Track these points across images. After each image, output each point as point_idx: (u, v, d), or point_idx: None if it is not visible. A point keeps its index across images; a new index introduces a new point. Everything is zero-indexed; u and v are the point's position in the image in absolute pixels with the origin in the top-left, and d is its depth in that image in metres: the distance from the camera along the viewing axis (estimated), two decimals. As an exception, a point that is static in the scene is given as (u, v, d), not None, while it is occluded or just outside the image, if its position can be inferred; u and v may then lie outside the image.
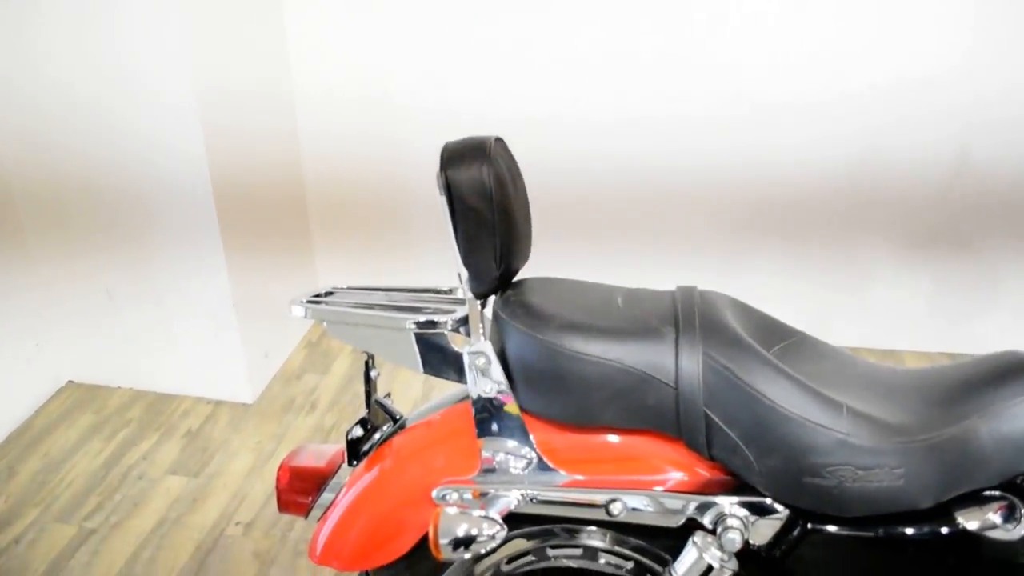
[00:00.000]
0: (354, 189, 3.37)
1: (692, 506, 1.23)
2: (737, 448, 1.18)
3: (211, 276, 2.83)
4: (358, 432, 1.43)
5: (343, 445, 1.47)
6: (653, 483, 1.25)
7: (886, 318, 3.23)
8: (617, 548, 1.39)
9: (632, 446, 1.27)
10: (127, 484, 2.65)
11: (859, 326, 3.25)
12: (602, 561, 1.42)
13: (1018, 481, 1.23)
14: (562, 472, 1.29)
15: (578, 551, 1.43)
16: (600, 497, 1.26)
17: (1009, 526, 1.19)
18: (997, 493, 1.21)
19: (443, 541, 1.22)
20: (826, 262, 3.17)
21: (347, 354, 3.37)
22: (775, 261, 3.19)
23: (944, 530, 1.19)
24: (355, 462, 1.45)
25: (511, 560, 1.48)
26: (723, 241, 3.19)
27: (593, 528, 1.36)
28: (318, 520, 1.44)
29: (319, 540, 1.42)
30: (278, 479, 1.47)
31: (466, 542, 1.23)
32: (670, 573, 1.22)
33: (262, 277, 3.08)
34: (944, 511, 1.19)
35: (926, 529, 1.19)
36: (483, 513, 1.24)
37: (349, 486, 1.42)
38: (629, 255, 3.26)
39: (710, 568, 1.19)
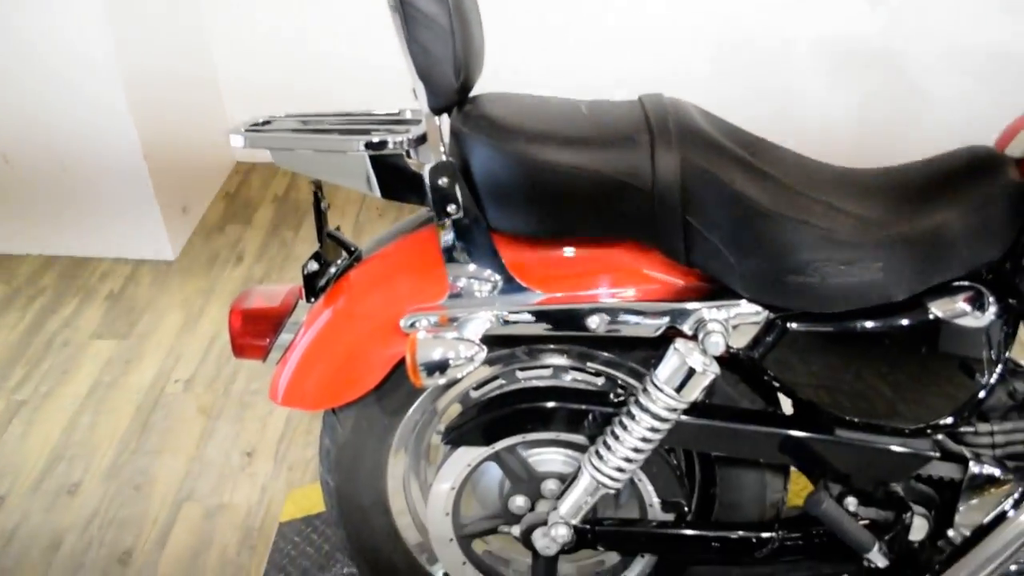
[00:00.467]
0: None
1: (672, 314, 1.21)
2: (718, 252, 1.16)
3: (115, 125, 2.64)
4: (313, 267, 1.36)
5: (294, 284, 1.40)
6: (632, 295, 1.23)
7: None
8: (589, 364, 1.38)
9: (606, 258, 1.24)
10: (52, 352, 2.54)
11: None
12: (571, 378, 1.42)
13: (985, 271, 1.25)
14: (536, 291, 1.25)
15: (547, 371, 1.42)
16: (577, 312, 1.23)
17: (978, 314, 1.21)
18: (966, 283, 1.22)
19: (420, 366, 1.18)
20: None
21: (268, 204, 3.24)
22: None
23: (917, 320, 1.20)
24: (312, 299, 1.38)
25: (479, 386, 1.46)
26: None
27: (563, 346, 1.34)
28: (277, 363, 1.39)
29: (280, 382, 1.36)
30: (230, 324, 1.39)
31: (443, 366, 1.19)
32: (651, 380, 1.21)
33: (171, 126, 2.89)
34: (917, 302, 1.20)
35: (900, 321, 1.20)
36: (458, 335, 1.20)
37: (308, 324, 1.35)
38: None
39: (691, 373, 1.18)
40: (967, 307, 1.21)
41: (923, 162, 1.30)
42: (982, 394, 1.27)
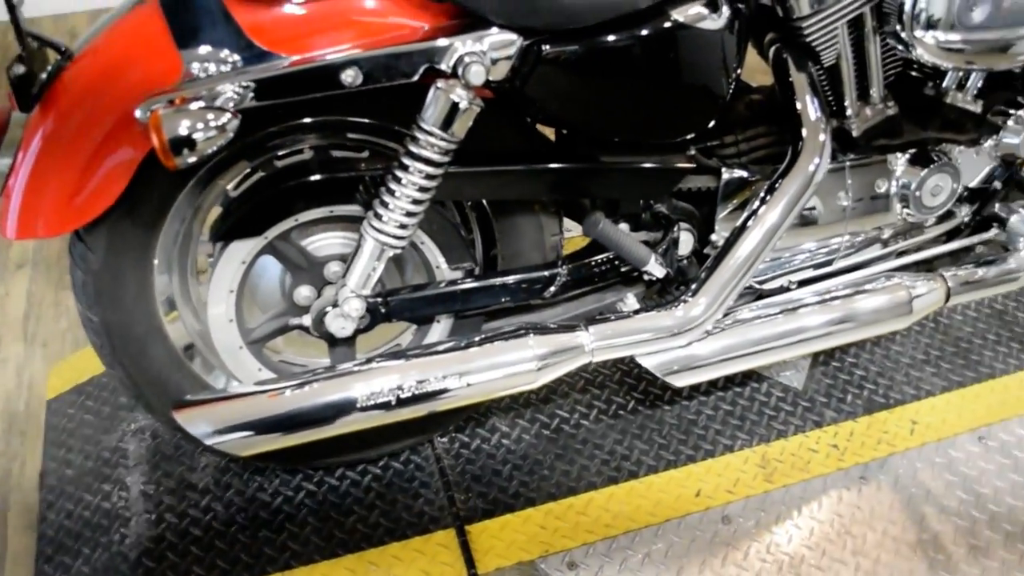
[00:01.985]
0: None
1: (427, 53, 1.17)
2: None
3: None
4: (20, 70, 1.19)
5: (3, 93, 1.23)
6: (382, 42, 1.17)
7: None
8: (350, 136, 1.33)
9: (349, 7, 1.17)
10: None
11: None
12: (336, 155, 1.36)
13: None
14: (282, 55, 1.16)
15: (308, 152, 1.36)
16: (329, 68, 1.15)
17: (714, 16, 1.27)
18: (699, -7, 1.28)
19: (169, 142, 1.08)
20: None
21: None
22: None
23: (661, 27, 1.24)
24: (26, 111, 1.21)
25: (238, 185, 1.37)
26: None
27: (319, 119, 1.27)
28: (0, 192, 1.22)
29: (10, 213, 1.21)
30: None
31: (193, 140, 1.09)
32: (418, 125, 1.18)
33: None
34: (660, 10, 1.24)
35: (647, 30, 1.23)
36: (202, 104, 1.10)
37: (28, 139, 1.20)
38: None
39: (456, 109, 1.16)
40: (704, 11, 1.26)
41: None
42: (724, 102, 1.34)
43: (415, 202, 1.23)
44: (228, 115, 1.10)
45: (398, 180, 1.22)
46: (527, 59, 1.20)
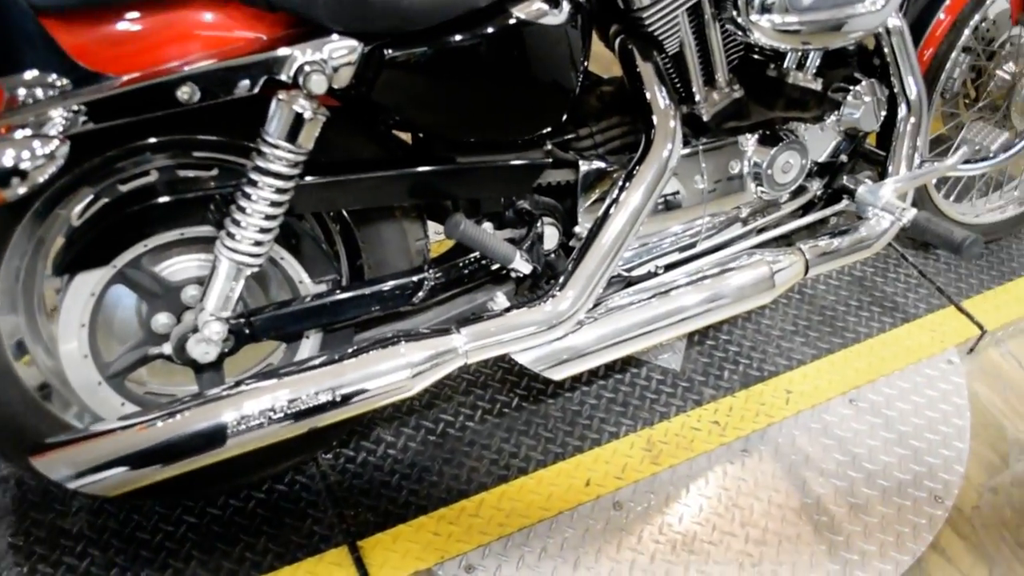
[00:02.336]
0: None
1: (265, 65, 1.13)
2: None
3: None
4: None
5: None
6: (219, 56, 1.13)
7: None
8: (196, 155, 1.28)
9: (180, 21, 1.12)
10: None
11: None
12: (183, 174, 1.31)
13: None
14: (111, 75, 1.11)
15: (152, 175, 1.30)
16: (163, 86, 1.11)
17: (555, 11, 1.28)
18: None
19: (-9, 177, 1.02)
20: None
21: None
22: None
23: (504, 24, 1.24)
24: None
25: (81, 214, 1.31)
26: None
27: (163, 139, 1.23)
28: None
29: None
30: None
31: (20, 170, 1.03)
32: (263, 138, 1.15)
33: None
34: (500, 7, 1.24)
35: (489, 28, 1.23)
36: (28, 132, 1.04)
37: None
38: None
39: (301, 120, 1.14)
40: (545, 6, 1.27)
41: None
42: (574, 94, 1.35)
43: (268, 218, 1.19)
44: (56, 142, 1.05)
45: (248, 197, 1.18)
46: (370, 65, 1.18)
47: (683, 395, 1.77)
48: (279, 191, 1.18)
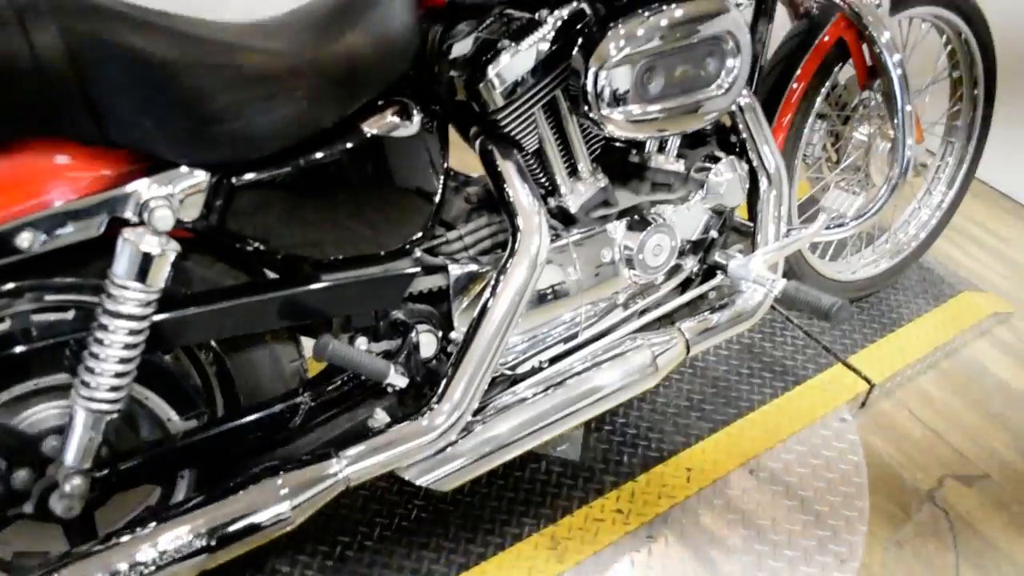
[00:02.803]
0: None
1: (108, 204, 1.10)
2: (135, 120, 1.06)
3: None
4: None
5: None
6: (58, 198, 1.09)
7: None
8: (48, 299, 1.22)
9: (13, 166, 1.08)
10: None
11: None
12: (37, 320, 1.25)
13: (404, 84, 1.31)
14: (-61, 231, 1.05)
15: (6, 323, 1.24)
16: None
17: (407, 123, 1.28)
18: (391, 98, 1.28)
19: None
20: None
21: None
22: None
23: (356, 142, 1.23)
24: None
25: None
26: None
27: (9, 286, 1.17)
28: None
29: None
30: None
31: None
32: (111, 281, 1.11)
33: None
34: (351, 125, 1.23)
35: (340, 146, 1.22)
36: None
37: None
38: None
39: (149, 258, 1.10)
40: (396, 120, 1.27)
41: None
42: (437, 201, 1.35)
43: (122, 361, 1.14)
44: None
45: (100, 342, 1.13)
46: (219, 194, 1.15)
47: (584, 486, 1.75)
48: (132, 332, 1.13)
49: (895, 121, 1.74)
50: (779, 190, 1.70)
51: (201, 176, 1.14)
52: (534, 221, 1.39)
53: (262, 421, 1.32)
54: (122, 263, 1.10)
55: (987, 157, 2.35)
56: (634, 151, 1.60)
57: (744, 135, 1.66)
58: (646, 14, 1.36)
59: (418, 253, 1.40)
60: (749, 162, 1.69)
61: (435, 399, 1.34)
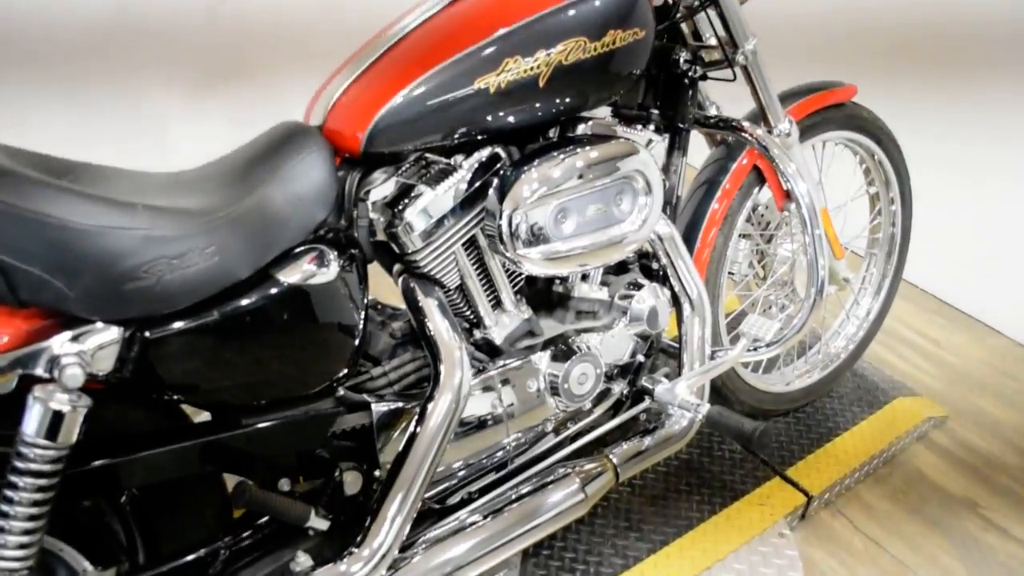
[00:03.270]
0: None
1: (18, 362, 1.11)
2: (45, 282, 1.08)
3: None
4: None
5: None
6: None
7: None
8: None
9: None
10: None
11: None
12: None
13: (323, 231, 1.35)
14: None
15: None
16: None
17: (324, 270, 1.31)
18: (307, 246, 1.32)
19: None
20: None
21: None
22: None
23: (272, 292, 1.26)
24: None
25: None
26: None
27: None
28: None
29: None
30: None
31: None
32: (21, 439, 1.11)
33: None
34: (265, 275, 1.26)
35: (256, 297, 1.25)
36: None
37: None
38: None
39: (59, 416, 1.10)
40: (313, 267, 1.30)
41: (246, 144, 1.37)
42: (359, 342, 1.37)
43: (31, 518, 1.13)
44: None
45: (9, 499, 1.12)
46: (133, 349, 1.17)
47: (523, 615, 1.73)
48: (41, 489, 1.12)
49: (806, 244, 1.81)
50: (701, 315, 1.74)
51: (114, 332, 1.15)
52: (455, 356, 1.41)
53: (183, 568, 1.30)
54: (32, 421, 1.10)
55: (917, 260, 2.43)
56: (558, 281, 1.64)
57: (664, 262, 1.71)
58: (558, 157, 1.42)
59: (341, 392, 1.41)
60: (671, 288, 1.73)
61: (359, 539, 1.34)
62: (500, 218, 1.38)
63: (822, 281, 1.80)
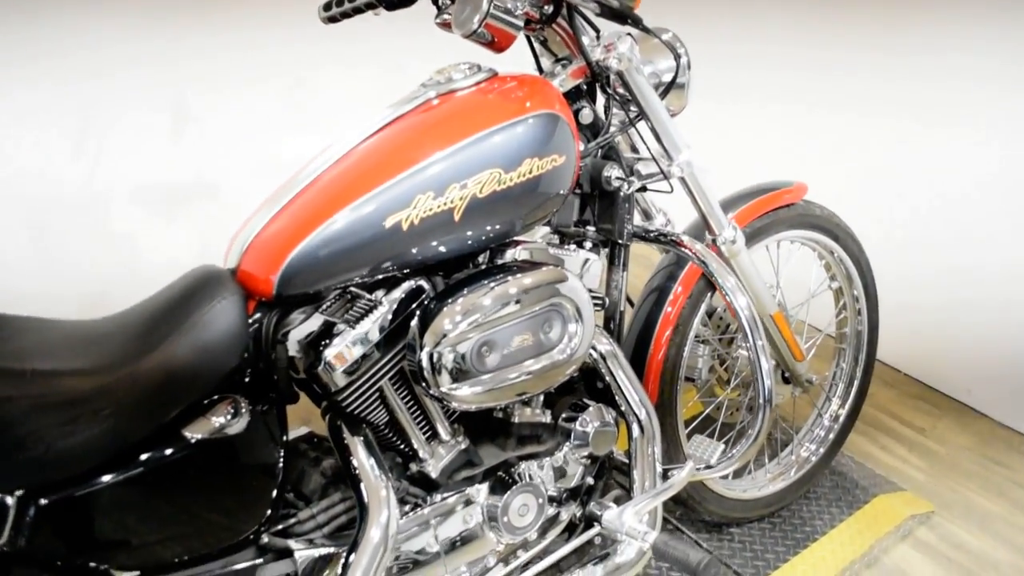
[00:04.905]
0: None
1: None
2: None
3: None
4: None
5: None
6: None
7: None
8: None
9: None
10: None
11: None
12: None
13: (236, 378, 1.31)
14: None
15: None
16: None
17: (235, 421, 1.27)
18: (216, 397, 1.28)
19: None
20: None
21: None
22: None
23: (180, 448, 1.22)
24: None
25: None
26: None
27: None
28: None
29: None
30: None
31: None
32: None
33: None
34: (172, 431, 1.22)
35: (163, 454, 1.21)
36: None
37: None
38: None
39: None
40: (222, 419, 1.25)
41: (162, 290, 1.34)
42: (278, 487, 1.33)
43: None
44: None
45: None
46: (26, 515, 1.12)
47: None
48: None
49: (749, 356, 1.76)
50: (650, 434, 1.68)
51: (7, 500, 1.11)
52: (381, 494, 1.36)
53: None
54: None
55: (895, 345, 2.37)
56: (497, 407, 1.59)
57: (608, 381, 1.66)
58: (480, 288, 1.38)
59: (265, 539, 1.36)
60: (617, 407, 1.68)
61: None
62: (420, 354, 1.34)
63: (768, 391, 1.74)
